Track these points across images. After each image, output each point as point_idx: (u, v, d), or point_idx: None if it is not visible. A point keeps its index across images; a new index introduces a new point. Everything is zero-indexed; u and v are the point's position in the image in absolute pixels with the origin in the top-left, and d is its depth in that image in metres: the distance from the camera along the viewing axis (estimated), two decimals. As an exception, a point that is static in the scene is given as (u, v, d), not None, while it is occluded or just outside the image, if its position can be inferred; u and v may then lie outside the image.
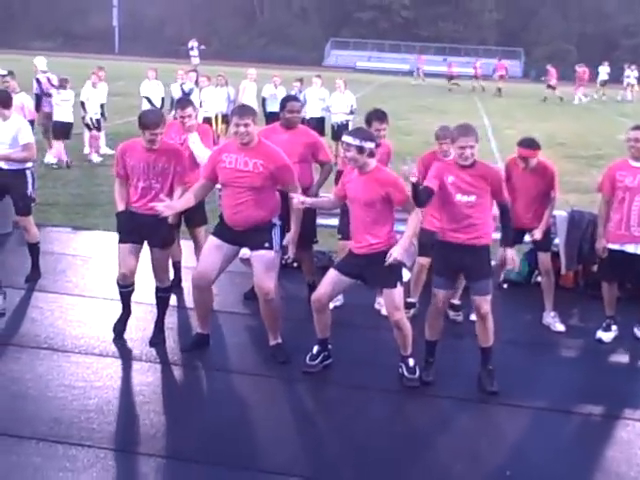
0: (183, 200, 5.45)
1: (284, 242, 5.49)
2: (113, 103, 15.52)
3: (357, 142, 4.98)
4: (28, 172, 6.81)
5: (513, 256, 5.36)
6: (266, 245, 5.34)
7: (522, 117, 24.30)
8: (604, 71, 35.37)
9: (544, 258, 6.40)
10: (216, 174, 5.37)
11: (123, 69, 32.40)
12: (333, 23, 58.24)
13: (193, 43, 40.76)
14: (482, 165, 5.14)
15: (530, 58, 53.77)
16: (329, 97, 14.47)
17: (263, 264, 5.33)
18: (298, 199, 5.25)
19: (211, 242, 5.48)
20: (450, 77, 38.66)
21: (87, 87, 13.70)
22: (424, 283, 6.34)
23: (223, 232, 5.44)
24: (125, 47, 55.57)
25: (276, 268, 5.42)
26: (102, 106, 13.80)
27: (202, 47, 40.48)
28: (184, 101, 6.80)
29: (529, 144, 6.20)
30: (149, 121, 5.39)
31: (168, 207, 5.26)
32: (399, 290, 5.14)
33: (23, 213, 6.88)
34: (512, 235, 5.47)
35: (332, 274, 5.24)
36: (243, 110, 5.39)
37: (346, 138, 5.06)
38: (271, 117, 13.52)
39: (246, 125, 5.20)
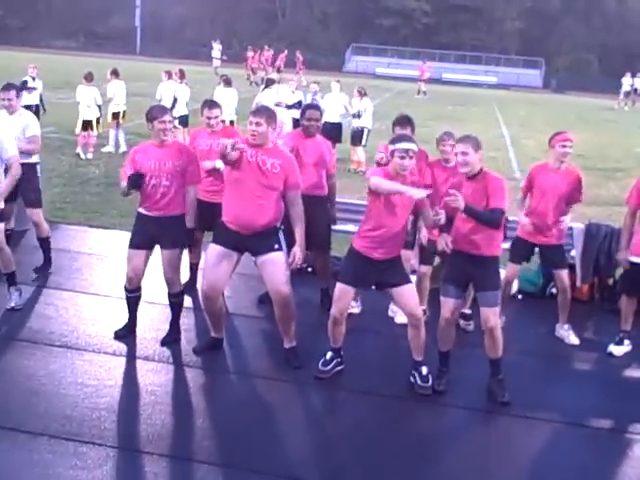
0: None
1: (293, 254, 5.30)
2: (134, 103, 15.58)
3: (416, 148, 5.01)
4: (37, 167, 7.02)
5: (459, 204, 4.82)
6: (276, 247, 5.32)
7: (541, 127, 24.10)
8: (626, 82, 35.11)
9: (562, 275, 6.27)
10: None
11: (144, 70, 32.59)
12: (354, 28, 58.16)
13: (217, 45, 40.81)
14: (486, 175, 5.11)
15: (551, 68, 53.47)
16: (349, 103, 14.41)
17: (278, 266, 5.31)
18: (437, 212, 4.87)
19: (215, 251, 5.34)
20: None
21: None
22: (429, 290, 6.38)
23: (227, 238, 5.31)
24: (146, 48, 55.87)
25: (288, 269, 5.41)
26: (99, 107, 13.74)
27: (224, 57, 40.49)
28: (211, 102, 6.72)
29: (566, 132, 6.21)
30: (155, 111, 5.55)
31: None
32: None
33: (34, 205, 6.99)
34: (479, 211, 5.01)
35: (345, 289, 5.20)
36: (257, 109, 5.47)
37: (409, 145, 4.95)
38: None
39: (257, 124, 5.18)
